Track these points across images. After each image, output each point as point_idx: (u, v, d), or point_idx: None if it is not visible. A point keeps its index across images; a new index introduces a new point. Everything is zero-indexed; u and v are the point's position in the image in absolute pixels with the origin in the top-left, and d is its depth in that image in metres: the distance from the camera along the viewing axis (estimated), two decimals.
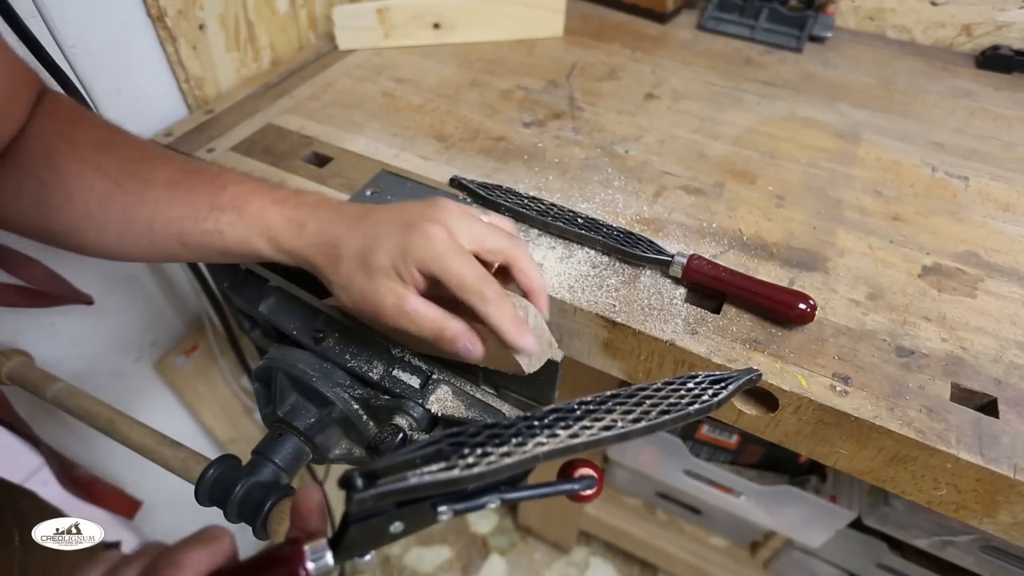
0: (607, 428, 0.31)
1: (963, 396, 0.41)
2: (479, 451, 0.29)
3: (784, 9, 0.87)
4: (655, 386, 0.35)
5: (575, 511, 1.13)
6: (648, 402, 0.34)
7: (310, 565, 0.28)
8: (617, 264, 0.49)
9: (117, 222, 0.37)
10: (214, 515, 0.41)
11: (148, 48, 0.61)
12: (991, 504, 0.38)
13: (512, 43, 0.83)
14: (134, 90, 0.61)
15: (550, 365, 0.42)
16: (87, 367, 0.71)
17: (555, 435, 0.30)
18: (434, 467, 0.28)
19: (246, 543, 1.18)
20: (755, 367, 0.42)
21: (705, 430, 0.88)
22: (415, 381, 0.43)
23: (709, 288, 0.46)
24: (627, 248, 0.48)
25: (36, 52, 0.49)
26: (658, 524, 1.12)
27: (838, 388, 0.40)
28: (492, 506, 0.31)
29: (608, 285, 0.47)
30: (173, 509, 0.89)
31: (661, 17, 0.91)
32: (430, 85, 0.72)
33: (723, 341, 0.43)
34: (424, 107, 0.68)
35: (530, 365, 0.38)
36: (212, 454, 0.43)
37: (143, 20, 0.59)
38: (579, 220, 0.51)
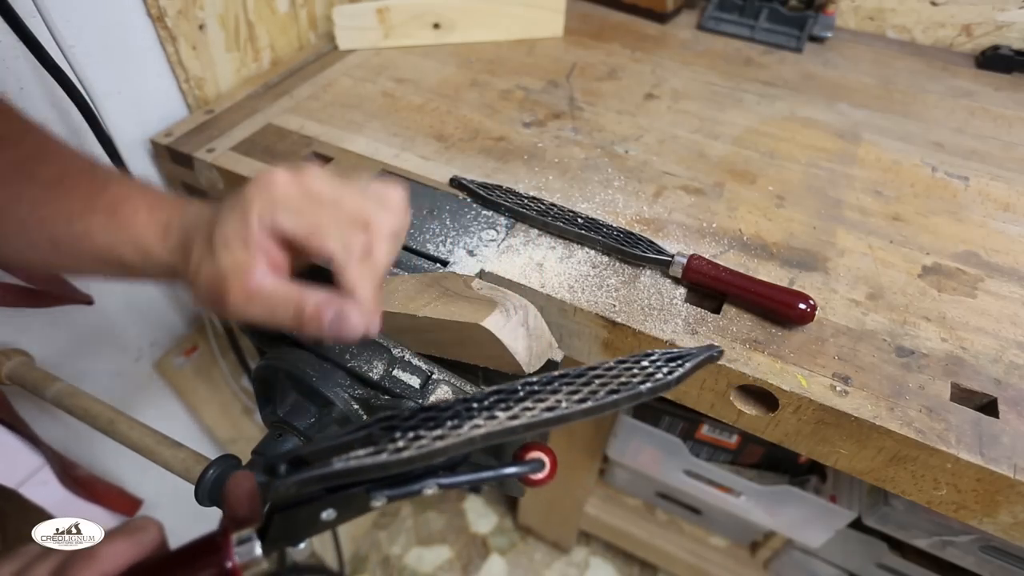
0: (550, 409, 0.29)
1: (963, 396, 0.41)
2: (411, 435, 0.28)
3: (784, 9, 0.87)
4: (606, 365, 0.33)
5: (575, 511, 1.13)
6: (597, 382, 0.31)
7: (236, 554, 0.27)
8: (617, 264, 0.49)
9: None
10: (214, 515, 0.41)
11: (148, 48, 0.61)
12: (991, 504, 0.38)
13: (512, 43, 0.83)
14: (134, 90, 0.61)
15: (550, 365, 0.42)
16: (87, 367, 0.71)
17: (493, 417, 0.28)
18: (361, 452, 0.27)
19: None
20: (715, 344, 0.38)
21: (705, 430, 0.88)
22: (415, 381, 0.43)
23: (709, 288, 0.46)
24: (627, 248, 0.48)
25: (36, 52, 0.49)
26: (658, 524, 1.12)
27: (838, 388, 0.40)
28: (429, 492, 0.29)
29: (608, 285, 0.47)
30: (173, 509, 0.89)
31: (661, 17, 0.91)
32: (430, 85, 0.72)
33: (723, 341, 0.43)
34: (424, 107, 0.68)
35: (530, 365, 0.38)
36: (212, 454, 0.43)
37: (143, 20, 0.59)
38: (579, 220, 0.51)
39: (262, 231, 0.29)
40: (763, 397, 0.42)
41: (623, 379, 0.32)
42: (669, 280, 0.48)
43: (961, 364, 0.42)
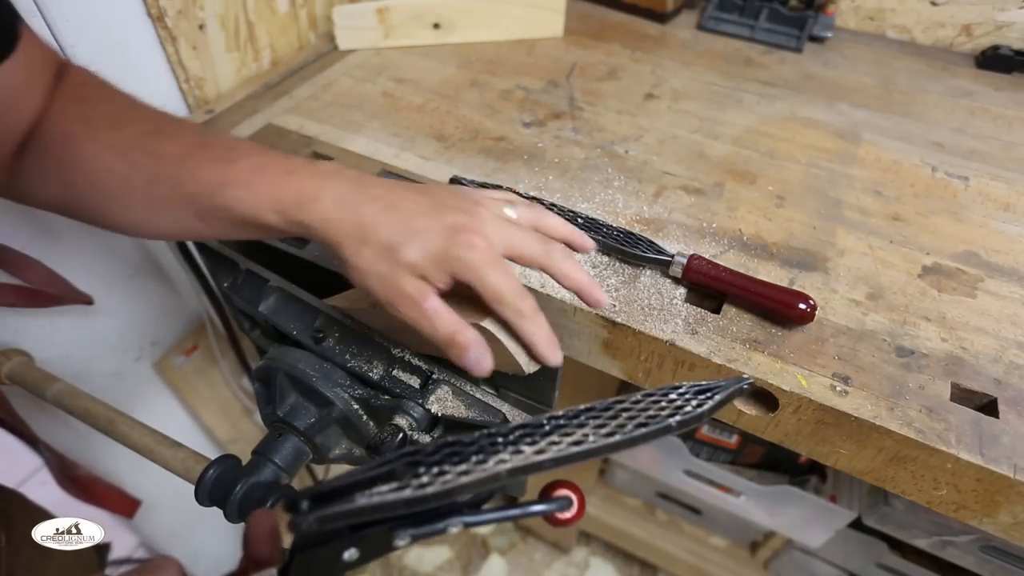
0: (577, 443, 0.28)
1: (963, 396, 0.41)
2: (435, 470, 0.27)
3: (784, 9, 0.87)
4: (634, 398, 0.32)
5: None
6: (624, 415, 0.31)
7: None
8: (617, 264, 0.49)
9: (139, 200, 0.37)
10: (214, 515, 0.41)
11: (148, 48, 0.61)
12: (991, 504, 0.38)
13: (512, 43, 0.83)
14: (134, 90, 0.60)
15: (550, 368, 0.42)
16: (87, 367, 0.71)
17: (519, 452, 0.28)
18: (384, 488, 0.26)
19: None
20: (746, 376, 0.38)
21: (705, 430, 0.88)
22: (415, 381, 0.43)
23: (709, 288, 0.46)
24: (627, 248, 0.48)
25: None
26: (658, 524, 1.12)
27: (838, 388, 0.40)
28: (454, 530, 0.29)
29: (608, 285, 0.47)
30: (173, 509, 0.89)
31: (661, 17, 0.91)
32: (430, 85, 0.72)
33: (723, 341, 0.43)
34: (424, 107, 0.68)
35: (530, 365, 0.38)
36: (212, 454, 0.43)
37: (143, 20, 0.59)
38: (579, 220, 0.51)
39: (449, 278, 0.34)
40: (763, 397, 0.42)
41: (651, 412, 0.31)
42: (669, 280, 0.48)
43: (961, 364, 0.42)
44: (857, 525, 0.82)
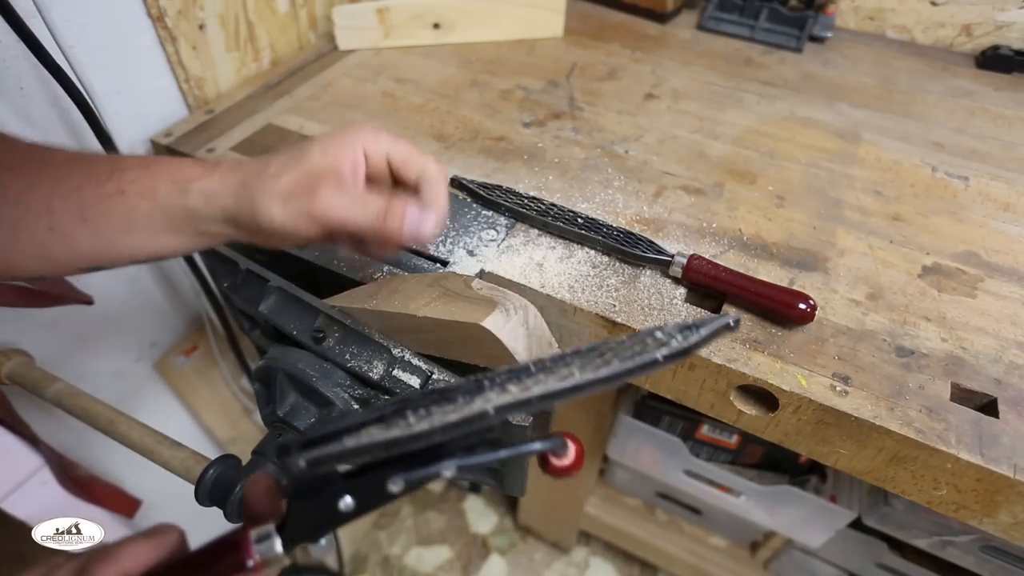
0: (563, 379, 0.29)
1: (963, 396, 0.41)
2: (422, 411, 0.27)
3: (784, 9, 0.87)
4: (619, 340, 0.32)
5: (575, 511, 1.13)
6: (611, 354, 0.31)
7: (256, 551, 0.27)
8: (617, 264, 0.49)
9: (10, 212, 0.31)
10: (214, 515, 0.41)
11: (148, 48, 0.61)
12: (991, 504, 0.38)
13: (512, 43, 0.83)
14: (134, 90, 0.61)
15: None
16: (87, 367, 0.71)
17: (506, 391, 0.28)
18: (373, 429, 0.27)
19: None
20: (732, 314, 0.37)
21: (705, 430, 0.88)
22: (415, 381, 0.43)
23: (709, 288, 0.46)
24: (627, 248, 0.48)
25: (36, 52, 0.49)
26: (658, 524, 1.12)
27: (838, 388, 0.40)
28: (447, 474, 0.29)
29: (608, 285, 0.47)
30: (173, 509, 0.89)
31: (661, 17, 0.91)
32: (430, 85, 0.72)
33: (723, 341, 0.43)
34: (424, 107, 0.68)
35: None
36: (212, 454, 0.43)
37: (143, 20, 0.59)
38: (579, 220, 0.51)
39: (361, 150, 0.34)
40: (763, 397, 0.42)
41: (636, 349, 0.31)
42: (669, 280, 0.48)
43: (961, 364, 0.42)
44: (857, 525, 0.82)
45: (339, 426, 0.27)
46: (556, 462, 0.31)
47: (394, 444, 0.26)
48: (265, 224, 0.32)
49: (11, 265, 0.33)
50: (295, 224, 0.32)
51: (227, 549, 0.27)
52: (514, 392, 0.28)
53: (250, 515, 0.30)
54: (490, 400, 0.28)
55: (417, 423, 0.27)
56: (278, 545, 0.28)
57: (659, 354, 0.30)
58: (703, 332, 0.32)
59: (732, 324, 0.35)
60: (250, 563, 0.27)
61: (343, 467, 0.27)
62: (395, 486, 0.28)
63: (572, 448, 0.31)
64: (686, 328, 0.33)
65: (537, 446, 0.31)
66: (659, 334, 0.32)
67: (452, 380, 0.44)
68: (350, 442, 0.26)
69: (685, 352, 0.31)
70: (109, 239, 0.33)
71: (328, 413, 0.45)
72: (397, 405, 0.28)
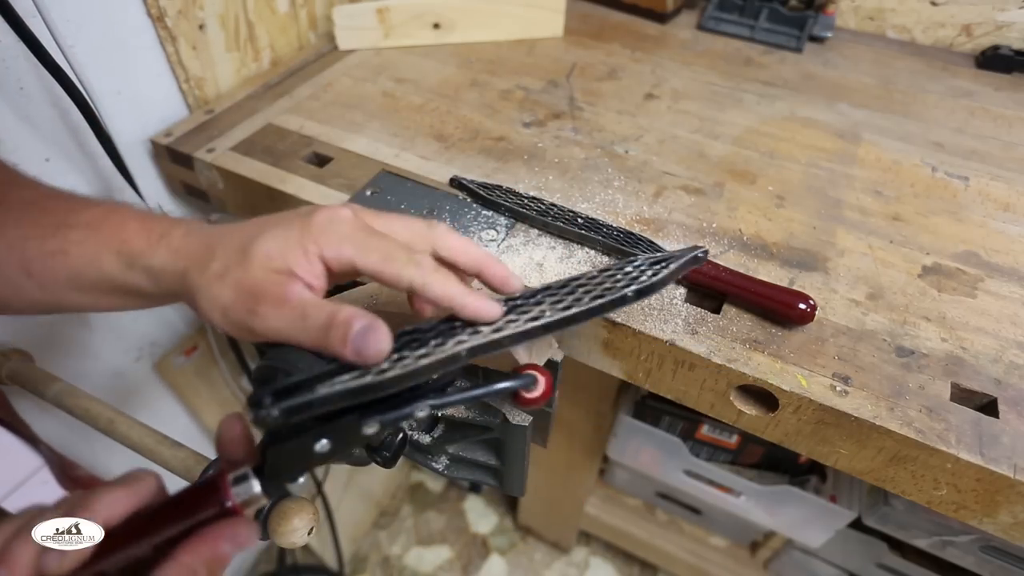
0: (535, 319, 0.28)
1: (963, 396, 0.41)
2: (394, 356, 0.27)
3: (784, 9, 0.87)
4: (590, 274, 0.32)
5: (575, 511, 1.13)
6: (581, 290, 0.31)
7: (234, 493, 0.27)
8: None
9: None
10: None
11: (148, 48, 0.61)
12: (991, 504, 0.38)
13: (512, 43, 0.83)
14: (134, 90, 0.61)
15: (550, 365, 0.42)
16: (87, 367, 0.71)
17: (477, 332, 0.28)
18: (346, 376, 0.27)
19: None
20: (700, 245, 0.38)
21: (705, 430, 0.88)
22: None
23: (709, 288, 0.46)
24: (627, 248, 0.48)
25: (36, 52, 0.49)
26: (658, 524, 1.12)
27: (838, 388, 0.40)
28: (420, 414, 0.29)
29: None
30: None
31: (661, 17, 0.91)
32: (430, 85, 0.72)
33: (723, 341, 0.43)
34: (424, 107, 0.68)
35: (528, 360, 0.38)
36: (212, 454, 0.43)
37: (143, 20, 0.59)
38: (579, 220, 0.51)
39: (320, 264, 0.29)
40: (763, 397, 0.42)
41: (607, 285, 0.31)
42: None
43: (961, 364, 0.42)
44: (857, 525, 0.82)
45: (310, 374, 0.27)
46: (527, 395, 0.31)
47: (367, 390, 0.26)
48: (209, 323, 0.30)
49: None
50: (237, 333, 0.30)
51: (206, 492, 0.28)
52: (486, 333, 0.28)
53: (225, 458, 0.30)
54: (463, 342, 0.27)
55: (390, 369, 0.26)
56: (256, 486, 0.28)
57: (629, 290, 0.30)
58: (672, 267, 0.33)
59: (700, 256, 0.35)
60: (228, 504, 0.27)
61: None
62: (370, 428, 0.28)
63: (542, 381, 0.31)
64: (656, 263, 0.33)
65: (509, 384, 0.31)
66: (629, 268, 0.33)
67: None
68: (323, 390, 0.26)
69: (654, 287, 0.32)
70: (56, 295, 0.32)
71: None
72: None
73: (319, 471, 1.04)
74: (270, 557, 1.22)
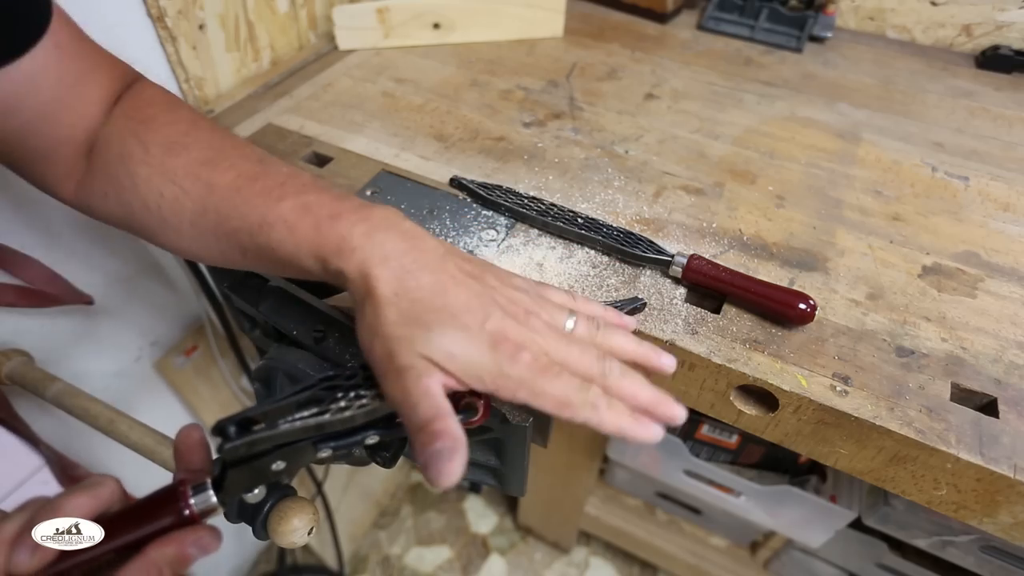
0: None
1: (963, 396, 0.41)
2: (352, 394, 0.30)
3: (784, 9, 0.87)
4: None
5: (575, 511, 1.13)
6: None
7: (193, 503, 0.29)
8: (617, 264, 0.49)
9: (188, 227, 0.36)
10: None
11: (148, 48, 0.61)
12: (991, 504, 0.38)
13: (512, 43, 0.83)
14: None
15: None
16: (87, 367, 0.71)
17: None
18: (306, 413, 0.29)
19: (247, 541, 1.18)
20: (640, 296, 0.43)
21: (705, 430, 0.88)
22: None
23: (709, 288, 0.46)
24: (627, 248, 0.48)
25: None
26: (658, 524, 1.12)
27: (838, 388, 0.40)
28: (370, 441, 0.31)
29: (608, 285, 0.47)
30: None
31: (661, 17, 0.91)
32: (430, 85, 0.72)
33: (723, 341, 0.43)
34: (424, 107, 0.68)
35: None
36: (212, 454, 0.43)
37: (143, 20, 0.59)
38: (579, 220, 0.51)
39: (481, 384, 0.30)
40: (763, 397, 0.42)
41: None
42: (669, 280, 0.48)
43: (961, 364, 0.42)
44: (857, 525, 0.82)
45: (272, 405, 0.29)
46: (468, 422, 0.32)
47: (325, 426, 0.29)
48: (359, 332, 0.32)
49: (203, 260, 0.39)
50: (361, 347, 0.32)
51: (166, 500, 0.29)
52: None
53: (184, 467, 0.32)
54: None
55: (347, 408, 0.29)
56: (213, 497, 0.30)
57: None
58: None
59: (639, 306, 0.41)
60: (187, 512, 0.29)
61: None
62: (323, 453, 0.31)
63: (479, 406, 0.33)
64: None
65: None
66: None
67: None
68: (284, 426, 0.28)
69: None
70: (267, 271, 0.38)
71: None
72: (327, 382, 0.30)
73: (319, 471, 1.04)
74: (270, 557, 1.22)
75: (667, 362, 0.34)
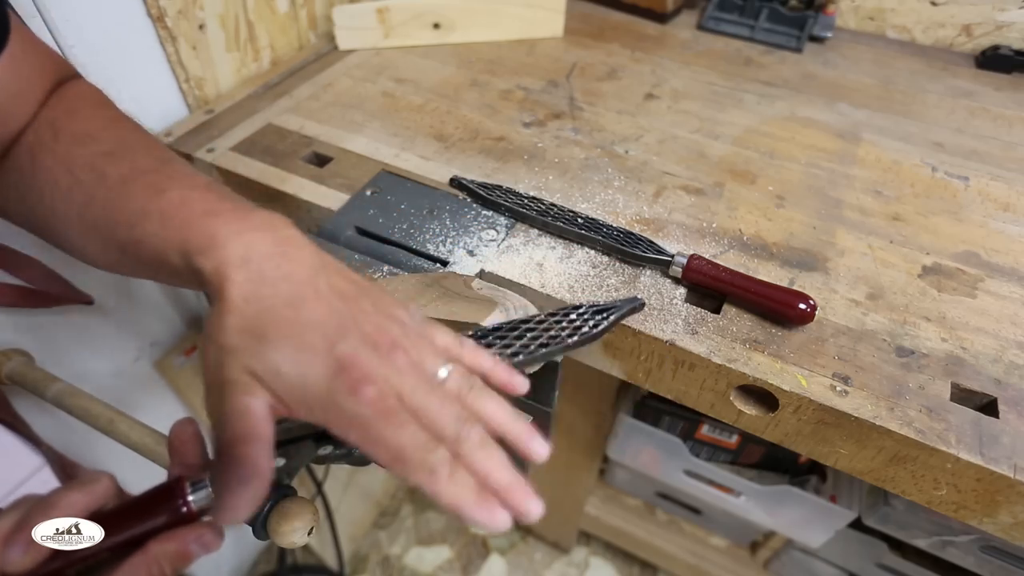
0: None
1: (963, 396, 0.41)
2: None
3: (784, 9, 0.87)
4: (538, 318, 0.35)
5: (575, 511, 1.13)
6: (529, 335, 0.33)
7: (191, 498, 0.28)
8: (617, 264, 0.49)
9: (76, 220, 0.33)
10: None
11: (148, 48, 0.61)
12: (991, 504, 0.38)
13: (512, 43, 0.83)
14: (134, 90, 0.61)
15: (550, 366, 0.42)
16: (87, 367, 0.71)
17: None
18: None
19: (247, 541, 1.18)
20: (639, 296, 0.42)
21: (705, 430, 0.88)
22: None
23: (709, 288, 0.46)
24: (627, 248, 0.48)
25: None
26: (658, 524, 1.12)
27: (838, 388, 0.40)
28: None
29: (608, 285, 0.47)
30: None
31: (661, 17, 0.91)
32: (430, 85, 0.72)
33: (723, 341, 0.43)
34: (424, 107, 0.68)
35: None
36: (211, 454, 0.43)
37: (143, 20, 0.59)
38: (579, 220, 0.51)
39: (309, 413, 0.27)
40: (763, 397, 0.42)
41: (552, 332, 0.34)
42: (669, 280, 0.48)
43: (961, 364, 0.42)
44: (857, 525, 0.82)
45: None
46: None
47: (322, 430, 0.28)
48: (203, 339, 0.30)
49: (88, 260, 0.35)
50: (202, 361, 0.30)
51: (163, 496, 0.29)
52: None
53: (179, 462, 0.31)
54: None
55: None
56: (211, 492, 0.29)
57: (571, 340, 0.34)
58: (612, 317, 0.37)
59: (638, 306, 0.40)
60: (184, 509, 0.28)
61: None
62: (324, 450, 0.31)
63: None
64: (599, 311, 0.37)
65: None
66: (573, 316, 0.36)
67: None
68: (286, 423, 0.28)
69: (594, 338, 0.35)
70: (144, 274, 0.34)
71: None
72: None
73: (319, 471, 1.04)
74: (270, 557, 1.22)
75: (538, 450, 0.28)
